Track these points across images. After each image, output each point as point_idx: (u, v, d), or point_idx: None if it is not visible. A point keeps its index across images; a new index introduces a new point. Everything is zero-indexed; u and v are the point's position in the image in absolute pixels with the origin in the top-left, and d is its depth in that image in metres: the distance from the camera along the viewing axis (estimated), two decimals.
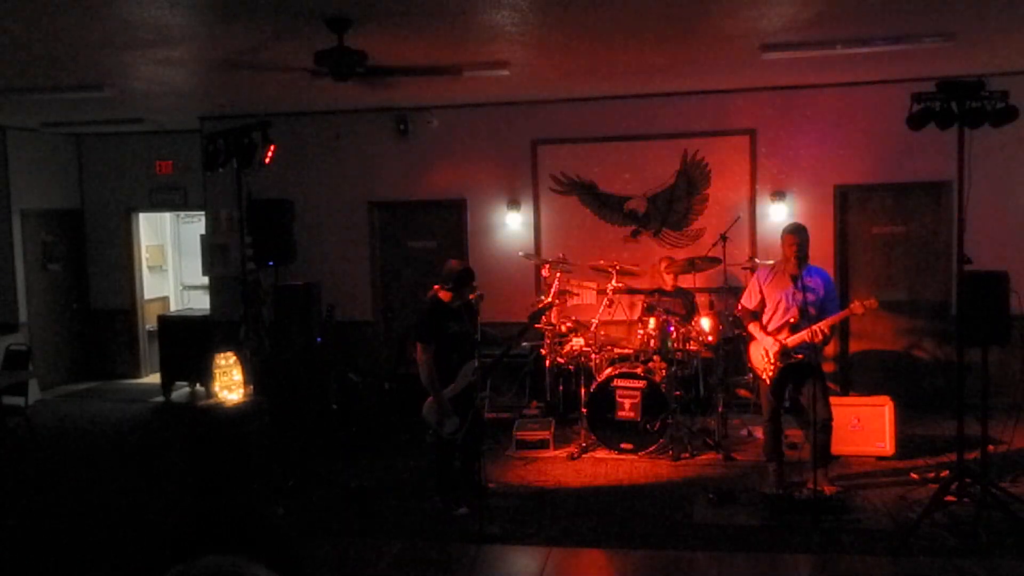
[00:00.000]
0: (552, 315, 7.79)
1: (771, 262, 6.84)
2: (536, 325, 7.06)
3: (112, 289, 11.56)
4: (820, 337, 5.90)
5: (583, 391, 7.48)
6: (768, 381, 6.13)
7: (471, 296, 6.16)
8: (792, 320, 6.03)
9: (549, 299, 7.52)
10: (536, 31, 5.91)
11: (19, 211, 10.51)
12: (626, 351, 7.62)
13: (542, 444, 7.42)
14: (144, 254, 11.83)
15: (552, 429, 7.54)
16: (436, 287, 6.08)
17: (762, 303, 6.23)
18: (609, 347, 7.67)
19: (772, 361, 6.07)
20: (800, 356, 6.01)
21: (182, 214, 12.40)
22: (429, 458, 6.51)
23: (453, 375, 5.99)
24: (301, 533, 5.73)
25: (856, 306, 5.89)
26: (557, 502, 6.25)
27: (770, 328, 6.17)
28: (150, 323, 11.55)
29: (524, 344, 6.64)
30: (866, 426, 6.88)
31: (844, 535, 5.42)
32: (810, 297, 5.91)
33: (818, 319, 5.90)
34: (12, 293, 10.43)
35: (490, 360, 6.19)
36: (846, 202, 8.86)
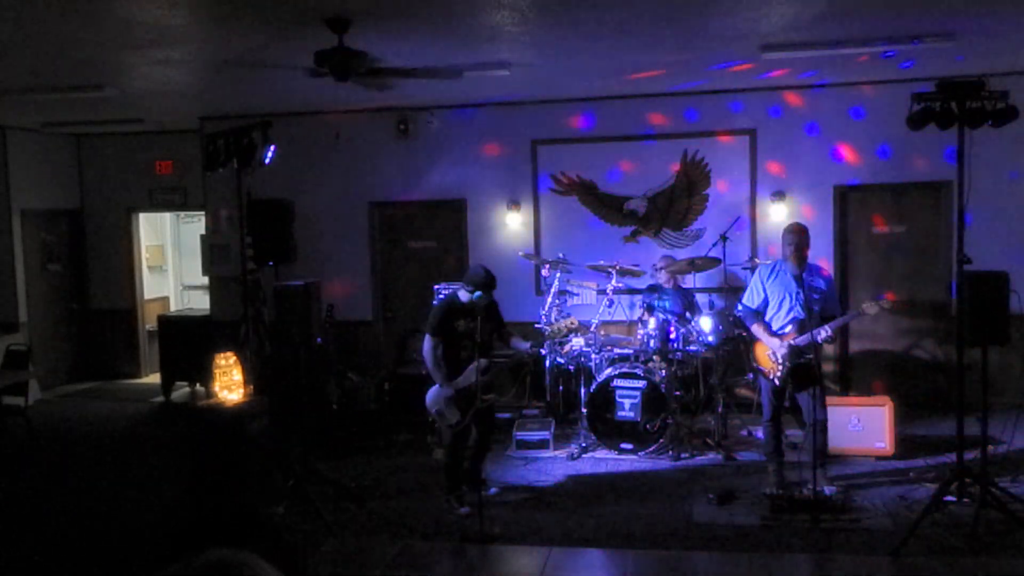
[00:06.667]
0: (552, 315, 7.79)
1: (771, 261, 6.84)
2: (538, 325, 7.06)
3: (112, 289, 11.55)
4: (826, 337, 5.92)
5: (583, 391, 7.48)
6: (777, 382, 6.12)
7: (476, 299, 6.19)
8: (796, 317, 6.02)
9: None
10: (536, 31, 5.91)
11: (19, 211, 10.51)
12: (626, 351, 7.62)
13: (542, 444, 7.42)
14: (144, 254, 11.83)
15: (552, 429, 7.54)
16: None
17: (764, 301, 6.23)
18: (609, 347, 7.67)
19: (781, 362, 6.06)
20: (810, 356, 6.00)
21: (182, 214, 12.40)
22: (445, 456, 6.49)
23: (460, 371, 6.03)
24: (301, 533, 5.73)
25: (869, 306, 5.87)
26: (557, 502, 6.25)
27: (774, 327, 6.17)
28: (150, 323, 11.54)
29: (524, 345, 6.63)
30: (866, 426, 6.88)
31: (844, 535, 5.42)
32: (813, 295, 5.91)
33: (821, 315, 5.90)
34: (12, 293, 10.42)
35: (500, 362, 6.23)
36: (846, 202, 8.86)
